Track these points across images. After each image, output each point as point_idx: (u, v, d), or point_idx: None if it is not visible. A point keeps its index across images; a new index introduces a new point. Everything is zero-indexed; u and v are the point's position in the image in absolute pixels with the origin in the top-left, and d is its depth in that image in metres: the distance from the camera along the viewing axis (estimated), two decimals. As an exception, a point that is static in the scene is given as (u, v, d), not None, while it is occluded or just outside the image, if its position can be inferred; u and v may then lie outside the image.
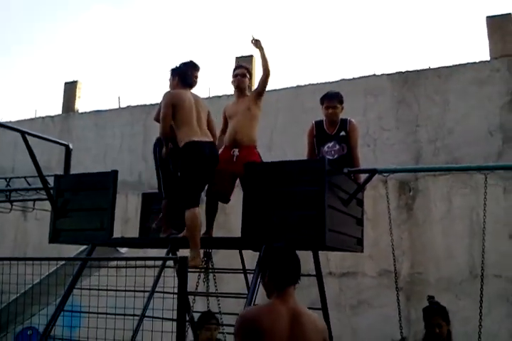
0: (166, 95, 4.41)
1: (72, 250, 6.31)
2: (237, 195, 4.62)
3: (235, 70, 4.79)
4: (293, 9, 24.74)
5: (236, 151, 4.46)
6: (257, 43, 4.55)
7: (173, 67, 4.58)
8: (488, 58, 7.22)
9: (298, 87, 8.15)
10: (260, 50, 4.55)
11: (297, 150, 7.02)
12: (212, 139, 4.48)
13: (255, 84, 4.76)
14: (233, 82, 4.74)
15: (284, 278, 2.63)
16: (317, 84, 7.96)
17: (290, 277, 2.65)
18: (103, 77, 24.58)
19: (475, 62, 7.22)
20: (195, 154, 4.23)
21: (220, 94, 8.74)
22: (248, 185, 4.09)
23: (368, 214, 6.33)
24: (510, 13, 7.30)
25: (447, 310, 4.05)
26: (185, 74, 4.52)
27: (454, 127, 7.08)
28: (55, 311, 4.29)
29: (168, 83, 4.63)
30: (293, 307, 2.60)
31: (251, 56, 8.93)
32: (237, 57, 8.98)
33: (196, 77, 4.61)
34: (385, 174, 4.70)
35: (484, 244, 4.43)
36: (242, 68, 4.79)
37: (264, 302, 2.64)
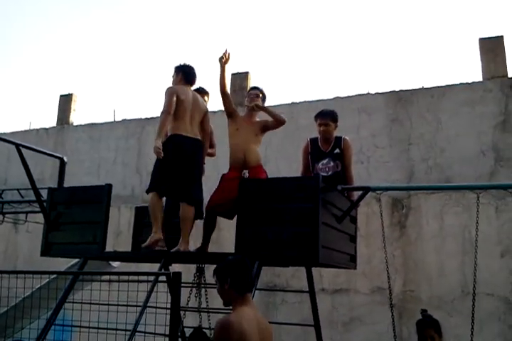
0: (170, 88, 4.60)
1: (63, 263, 6.26)
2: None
3: (251, 90, 5.01)
4: (289, 26, 25.05)
5: (246, 173, 4.57)
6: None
7: (178, 64, 4.80)
8: (480, 79, 7.33)
9: (293, 104, 8.22)
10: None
11: (291, 166, 7.07)
12: (199, 137, 4.66)
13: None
14: (246, 101, 4.93)
15: (246, 285, 2.87)
16: (312, 101, 8.03)
17: (250, 284, 2.94)
18: (98, 90, 24.67)
19: (468, 83, 7.32)
20: (173, 146, 4.45)
21: (216, 110, 8.79)
22: (243, 201, 4.11)
23: (361, 231, 6.35)
24: (502, 36, 7.43)
25: (440, 324, 4.08)
26: (188, 72, 4.75)
27: (446, 146, 7.15)
28: (45, 325, 4.25)
29: (171, 79, 4.80)
30: (255, 311, 2.90)
31: (246, 73, 9.01)
32: (232, 74, 9.05)
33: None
34: (378, 191, 4.74)
35: (476, 263, 4.46)
36: (257, 90, 4.94)
37: (237, 309, 2.82)
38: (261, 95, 4.90)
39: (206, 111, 4.82)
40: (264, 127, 4.83)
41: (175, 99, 4.47)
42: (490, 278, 6.32)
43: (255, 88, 4.99)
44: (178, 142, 4.49)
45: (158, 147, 4.29)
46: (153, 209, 4.47)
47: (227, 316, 2.77)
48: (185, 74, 4.73)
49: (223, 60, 4.68)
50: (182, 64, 4.79)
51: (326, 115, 4.98)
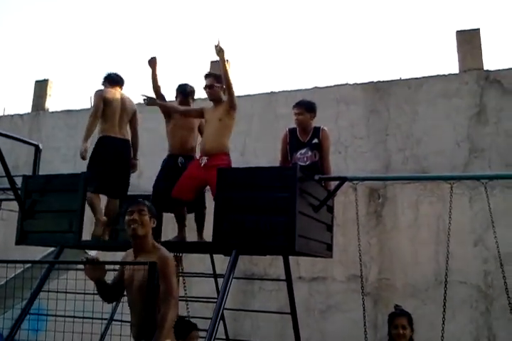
0: (97, 91, 4.95)
1: (38, 252, 6.19)
2: (209, 200, 4.64)
3: (204, 79, 4.71)
4: (269, 16, 24.91)
5: (205, 159, 4.46)
6: (220, 53, 4.34)
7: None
8: (457, 71, 7.41)
9: (272, 93, 8.21)
10: (221, 61, 4.37)
11: (270, 155, 7.08)
12: (127, 137, 5.05)
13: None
14: (206, 93, 4.72)
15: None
16: (290, 91, 8.02)
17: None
18: (75, 76, 24.24)
19: (444, 75, 7.40)
20: (105, 147, 4.83)
21: (195, 98, 8.73)
22: (220, 190, 4.11)
23: (337, 220, 6.41)
24: (478, 28, 7.51)
25: (412, 317, 4.17)
26: (113, 75, 5.13)
27: (422, 137, 7.24)
28: (20, 314, 4.21)
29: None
30: None
31: (226, 61, 8.95)
32: (212, 62, 8.98)
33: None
34: (354, 181, 4.79)
35: (449, 251, 4.56)
36: (209, 77, 4.67)
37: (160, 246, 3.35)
38: (216, 83, 4.61)
39: (135, 112, 5.16)
40: (227, 105, 4.53)
41: (101, 103, 4.86)
42: (463, 267, 6.46)
43: (207, 76, 4.69)
44: (107, 143, 4.88)
45: (83, 150, 4.73)
46: (91, 204, 4.79)
47: (166, 253, 3.26)
48: (110, 78, 5.10)
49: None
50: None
51: (301, 105, 5.02)
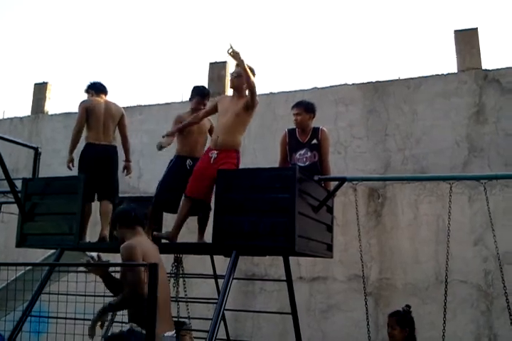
0: (81, 103, 5.15)
1: (39, 254, 6.21)
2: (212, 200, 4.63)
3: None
4: (269, 17, 24.94)
5: (214, 153, 4.37)
6: (235, 56, 4.18)
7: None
8: (455, 70, 7.42)
9: (271, 94, 8.22)
10: (240, 64, 4.21)
11: (269, 156, 7.09)
12: (112, 143, 5.17)
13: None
14: (230, 81, 4.63)
15: (131, 220, 3.64)
16: (289, 92, 8.04)
17: (135, 219, 3.67)
18: (73, 79, 24.25)
19: (443, 74, 7.41)
20: (87, 155, 5.00)
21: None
22: (220, 191, 4.12)
23: (338, 220, 6.43)
24: (476, 28, 7.52)
25: (409, 318, 4.15)
26: (96, 84, 5.31)
27: (421, 137, 7.25)
28: (21, 316, 4.21)
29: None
30: (146, 238, 3.76)
31: (225, 62, 8.96)
32: (211, 63, 9.00)
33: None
34: (354, 182, 4.80)
35: (449, 251, 4.56)
36: (237, 66, 4.47)
37: (132, 238, 3.54)
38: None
39: (122, 116, 5.30)
40: (245, 105, 4.40)
41: (85, 115, 5.08)
42: (463, 266, 6.47)
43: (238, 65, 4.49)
44: (89, 150, 5.03)
45: (68, 160, 5.03)
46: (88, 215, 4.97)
47: (128, 241, 3.47)
48: (94, 87, 5.29)
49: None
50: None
51: (300, 105, 5.02)
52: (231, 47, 4.15)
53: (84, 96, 5.31)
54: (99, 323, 3.33)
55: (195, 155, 4.86)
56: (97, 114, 5.09)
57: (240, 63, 4.23)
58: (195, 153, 4.90)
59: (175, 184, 4.59)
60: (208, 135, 5.07)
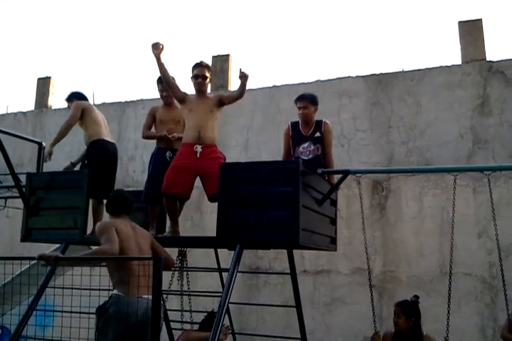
0: (76, 103, 5.28)
1: (44, 248, 6.22)
2: (203, 195, 4.61)
3: (194, 68, 4.54)
4: (271, 9, 24.81)
5: (199, 147, 4.32)
6: (244, 79, 4.32)
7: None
8: (459, 62, 7.37)
9: (274, 87, 8.19)
10: (243, 83, 4.36)
11: (272, 150, 7.09)
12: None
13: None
14: (194, 85, 4.56)
15: (117, 209, 3.95)
16: (293, 85, 8.01)
17: (122, 208, 3.96)
18: (77, 73, 24.24)
19: (447, 66, 7.37)
20: (102, 150, 5.03)
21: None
22: (223, 185, 4.12)
23: (341, 213, 6.43)
24: (481, 19, 7.46)
25: (415, 308, 4.20)
26: (81, 93, 5.52)
27: (425, 129, 7.22)
28: (27, 310, 4.24)
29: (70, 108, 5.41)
30: (131, 222, 3.91)
31: (227, 55, 8.93)
32: (213, 56, 8.97)
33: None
34: (358, 174, 4.80)
35: (453, 243, 4.56)
36: (203, 67, 4.53)
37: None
38: (209, 75, 4.56)
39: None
40: (220, 102, 4.49)
41: (79, 113, 5.16)
42: (467, 258, 6.46)
43: (200, 65, 4.53)
44: (108, 146, 5.12)
45: (48, 152, 5.13)
46: (95, 213, 4.97)
47: (105, 222, 3.81)
48: (77, 94, 5.49)
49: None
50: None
51: (305, 98, 4.99)
52: (242, 71, 4.33)
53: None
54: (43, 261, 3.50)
55: (174, 146, 4.89)
56: (95, 112, 5.26)
57: (244, 83, 4.37)
58: (174, 143, 4.91)
59: (160, 178, 4.53)
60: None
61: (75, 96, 5.45)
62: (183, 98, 4.55)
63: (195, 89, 4.58)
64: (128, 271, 3.46)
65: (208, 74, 4.55)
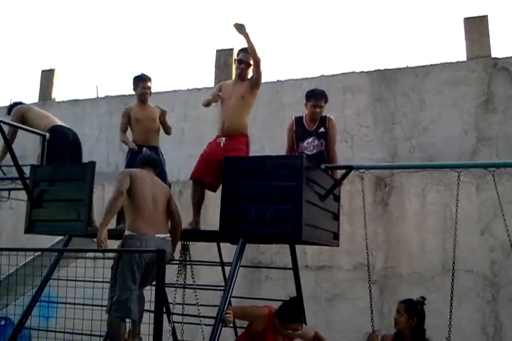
0: (15, 109, 5.64)
1: (47, 240, 6.24)
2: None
3: (240, 53, 4.59)
4: (275, 4, 24.70)
5: (223, 139, 4.50)
6: (241, 29, 4.24)
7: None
8: (464, 59, 7.34)
9: (278, 81, 8.17)
10: (245, 37, 4.29)
11: (275, 144, 7.08)
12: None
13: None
14: (236, 70, 4.63)
15: (143, 161, 4.29)
16: (297, 79, 7.99)
17: (145, 160, 4.32)
18: (80, 66, 24.22)
19: (451, 62, 7.34)
20: (61, 136, 5.31)
21: (200, 87, 8.73)
22: (227, 179, 4.12)
23: (344, 208, 6.43)
24: (486, 15, 7.42)
25: (419, 309, 4.10)
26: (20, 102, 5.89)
27: (429, 125, 7.21)
28: (30, 301, 4.26)
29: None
30: (151, 174, 4.20)
31: (231, 49, 8.91)
32: (217, 50, 8.95)
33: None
34: (361, 170, 4.79)
35: (456, 240, 4.56)
36: (245, 53, 4.53)
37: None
38: (250, 62, 4.55)
39: None
40: (250, 85, 4.52)
41: (21, 116, 5.57)
42: (469, 255, 6.46)
43: (243, 50, 4.55)
44: (59, 130, 5.40)
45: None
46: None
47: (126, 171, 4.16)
48: (16, 104, 5.80)
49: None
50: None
51: (322, 96, 4.94)
52: (236, 22, 4.25)
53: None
54: (104, 236, 3.74)
55: (151, 143, 5.16)
56: (35, 109, 5.84)
57: (246, 38, 4.28)
58: (150, 140, 5.18)
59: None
60: (167, 122, 5.40)
61: (12, 106, 5.79)
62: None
63: (236, 74, 4.64)
64: (138, 213, 3.83)
65: (250, 60, 4.52)
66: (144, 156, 4.40)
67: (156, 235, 3.83)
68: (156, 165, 4.31)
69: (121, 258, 3.73)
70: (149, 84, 5.34)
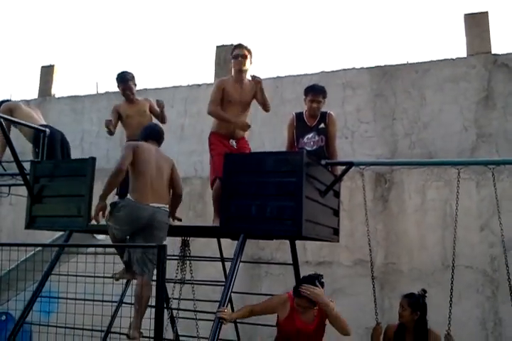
0: (3, 105, 5.88)
1: (47, 236, 6.26)
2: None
3: (234, 50, 4.67)
4: (275, 0, 24.64)
5: (234, 142, 4.64)
6: (257, 85, 4.61)
7: None
8: (464, 55, 7.33)
9: (278, 77, 8.16)
10: (260, 92, 4.67)
11: (276, 140, 7.08)
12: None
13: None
14: (234, 65, 4.65)
15: (147, 135, 4.39)
16: (297, 75, 7.97)
17: (150, 135, 4.41)
18: (80, 62, 24.16)
19: (452, 59, 7.33)
20: (51, 134, 5.60)
21: (200, 83, 8.72)
22: (227, 175, 4.13)
23: (344, 205, 6.43)
24: (487, 11, 7.40)
25: (422, 302, 4.18)
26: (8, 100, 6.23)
27: (429, 122, 7.21)
28: (31, 297, 4.27)
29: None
30: (155, 147, 4.34)
31: (231, 45, 8.89)
32: (217, 46, 8.93)
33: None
34: (361, 166, 4.80)
35: (456, 236, 4.57)
36: (242, 48, 4.63)
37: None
38: (248, 55, 4.65)
39: None
40: (254, 97, 4.81)
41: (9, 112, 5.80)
42: (469, 251, 6.47)
43: (241, 46, 4.65)
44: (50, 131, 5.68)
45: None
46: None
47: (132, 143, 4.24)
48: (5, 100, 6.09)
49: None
50: None
51: (320, 92, 4.95)
52: (254, 77, 4.59)
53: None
54: (100, 207, 3.89)
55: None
56: (23, 107, 6.10)
57: (261, 91, 4.71)
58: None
59: None
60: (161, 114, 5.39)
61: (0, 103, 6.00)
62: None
63: (235, 70, 4.68)
64: (141, 181, 3.99)
65: (247, 54, 4.63)
66: (146, 129, 4.44)
67: (151, 204, 3.97)
68: (159, 137, 4.40)
69: (118, 217, 3.94)
70: (129, 84, 5.38)
